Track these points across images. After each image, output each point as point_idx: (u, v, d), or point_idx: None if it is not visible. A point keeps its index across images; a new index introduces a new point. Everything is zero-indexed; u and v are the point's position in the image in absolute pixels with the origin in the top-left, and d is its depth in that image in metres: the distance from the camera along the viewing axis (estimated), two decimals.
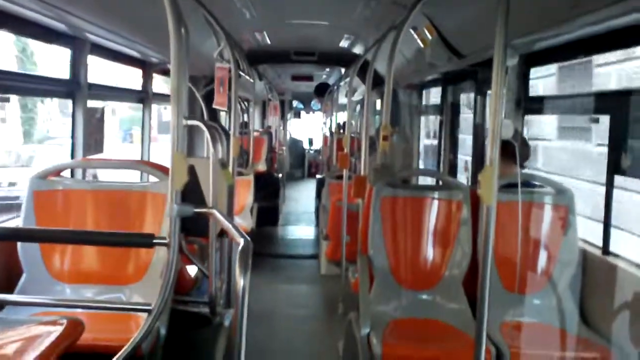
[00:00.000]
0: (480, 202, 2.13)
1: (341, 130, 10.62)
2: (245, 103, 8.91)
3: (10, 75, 3.21)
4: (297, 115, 17.87)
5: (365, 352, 3.02)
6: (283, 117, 14.47)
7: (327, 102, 10.97)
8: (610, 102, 3.12)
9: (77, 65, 3.64)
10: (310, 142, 16.84)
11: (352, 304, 3.84)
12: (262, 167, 9.60)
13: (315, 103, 16.37)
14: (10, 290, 2.85)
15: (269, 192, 8.89)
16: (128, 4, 3.24)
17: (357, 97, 10.29)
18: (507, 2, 1.97)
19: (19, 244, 2.92)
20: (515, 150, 2.87)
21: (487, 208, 2.10)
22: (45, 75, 3.56)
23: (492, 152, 2.06)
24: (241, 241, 1.97)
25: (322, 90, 11.15)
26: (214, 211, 2.37)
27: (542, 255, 3.34)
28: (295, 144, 16.87)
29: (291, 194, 12.22)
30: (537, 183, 3.49)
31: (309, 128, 17.84)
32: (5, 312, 2.68)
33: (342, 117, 12.30)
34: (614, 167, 3.02)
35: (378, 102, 7.88)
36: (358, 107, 9.85)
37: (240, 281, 1.85)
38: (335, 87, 9.11)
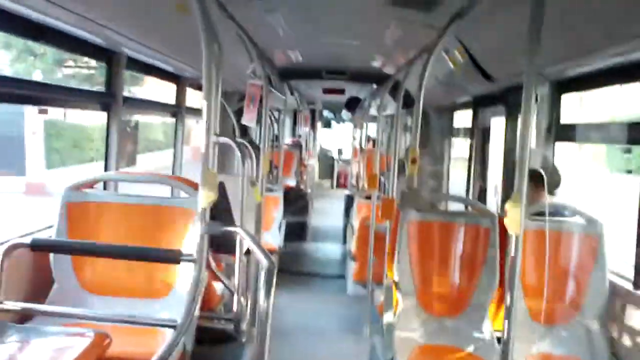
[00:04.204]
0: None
1: (371, 144, 10.57)
2: (276, 114, 8.95)
3: (48, 88, 3.29)
4: (328, 125, 17.87)
5: None
6: (313, 126, 14.47)
7: (358, 116, 10.97)
8: None
9: (113, 78, 3.70)
10: (340, 152, 16.86)
11: (378, 326, 3.82)
12: (291, 181, 9.64)
13: (345, 113, 16.36)
14: (41, 299, 2.91)
15: (297, 208, 8.90)
16: (164, 20, 3.31)
17: (388, 112, 10.26)
18: (539, 29, 1.96)
19: (51, 254, 2.98)
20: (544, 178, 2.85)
21: (514, 237, 2.08)
22: (81, 88, 3.63)
23: (520, 180, 2.04)
24: (265, 262, 1.98)
25: (353, 104, 11.15)
26: (240, 230, 2.39)
27: (571, 286, 3.28)
28: (324, 155, 16.91)
29: (320, 206, 12.20)
30: (567, 213, 3.44)
31: (339, 138, 17.82)
32: (35, 321, 2.74)
33: (372, 127, 12.27)
34: None
35: (409, 119, 7.86)
36: (389, 122, 9.81)
37: (264, 302, 1.87)
38: (366, 102, 9.12)
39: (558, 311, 3.21)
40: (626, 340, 3.03)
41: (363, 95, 10.48)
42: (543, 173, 2.64)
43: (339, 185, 15.95)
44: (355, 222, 6.28)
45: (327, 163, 16.80)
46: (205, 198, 2.26)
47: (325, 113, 17.16)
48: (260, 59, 4.10)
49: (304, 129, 12.22)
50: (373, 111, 8.97)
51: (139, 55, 3.89)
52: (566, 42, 2.71)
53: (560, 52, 2.81)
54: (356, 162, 10.67)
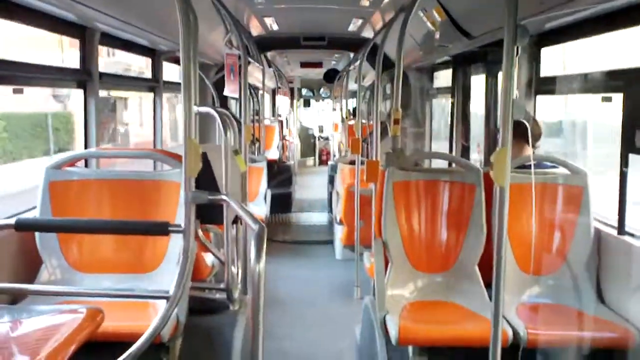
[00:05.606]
0: (494, 183, 2.12)
1: (352, 116, 10.59)
2: (255, 91, 8.93)
3: (21, 66, 3.22)
4: (307, 103, 17.82)
5: (382, 335, 3.04)
6: (292, 105, 14.49)
7: (337, 88, 10.94)
8: (623, 79, 3.09)
9: (88, 55, 3.64)
10: (321, 129, 16.85)
11: (368, 288, 3.86)
12: (273, 155, 9.64)
13: (324, 91, 16.32)
14: (30, 281, 2.89)
15: (281, 180, 8.94)
16: None
17: (367, 82, 10.24)
18: None
19: (37, 234, 2.95)
20: (527, 131, 2.86)
21: (500, 190, 2.10)
22: (55, 65, 3.56)
23: (504, 133, 2.05)
24: (255, 227, 1.98)
25: (332, 76, 11.10)
26: (227, 198, 2.38)
27: (558, 236, 3.32)
28: (305, 132, 16.89)
29: (303, 182, 12.23)
30: (551, 164, 3.47)
31: (319, 116, 17.81)
32: (26, 302, 2.72)
33: (352, 103, 12.27)
34: (629, 146, 2.99)
35: (388, 86, 7.84)
36: (368, 93, 9.83)
37: (255, 266, 1.86)
38: (345, 73, 9.09)
39: (545, 261, 3.25)
40: (612, 286, 3.08)
41: (341, 67, 10.44)
42: (527, 125, 2.65)
43: (321, 162, 15.98)
44: (341, 188, 6.30)
45: (308, 140, 16.79)
46: (189, 167, 2.24)
47: (304, 92, 17.07)
48: (236, 28, 4.05)
49: (283, 107, 12.20)
50: (352, 85, 8.95)
51: (113, 30, 3.82)
52: None
53: (539, 2, 2.80)
54: (338, 134, 10.70)
